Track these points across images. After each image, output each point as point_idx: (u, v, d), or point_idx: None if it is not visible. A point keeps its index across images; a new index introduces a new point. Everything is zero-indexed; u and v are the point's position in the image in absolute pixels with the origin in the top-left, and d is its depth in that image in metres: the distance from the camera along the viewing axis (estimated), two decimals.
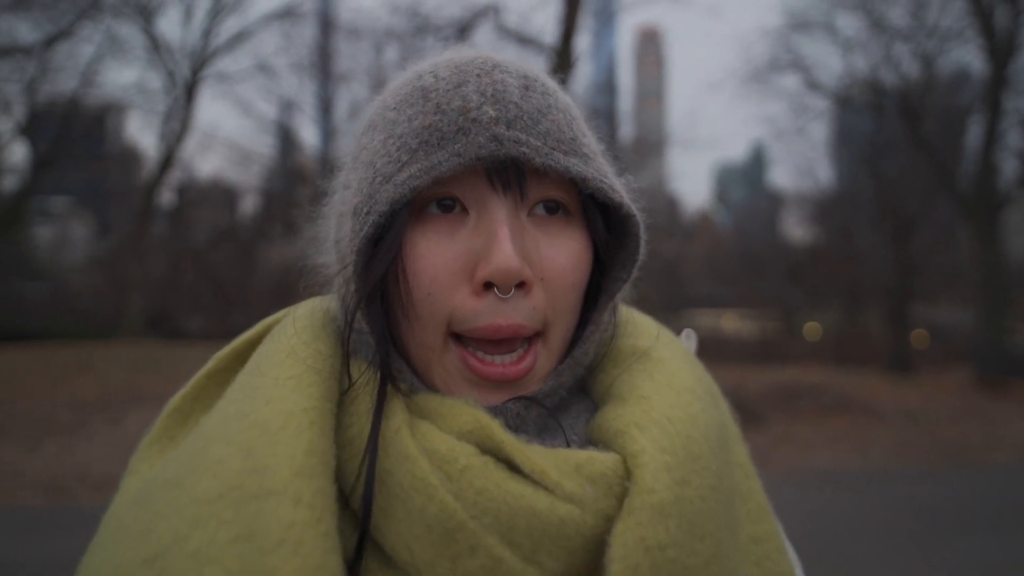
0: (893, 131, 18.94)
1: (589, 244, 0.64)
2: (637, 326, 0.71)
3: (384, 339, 0.60)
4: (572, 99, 0.67)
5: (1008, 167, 16.88)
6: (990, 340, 14.27)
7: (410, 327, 0.60)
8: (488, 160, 0.57)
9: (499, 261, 0.56)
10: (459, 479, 0.53)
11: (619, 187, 0.63)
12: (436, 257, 0.58)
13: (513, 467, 0.54)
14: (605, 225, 0.65)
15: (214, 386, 0.65)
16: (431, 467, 0.53)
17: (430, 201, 0.60)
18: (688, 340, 0.79)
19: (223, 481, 0.50)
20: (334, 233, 0.66)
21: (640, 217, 0.64)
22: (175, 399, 0.65)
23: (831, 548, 4.63)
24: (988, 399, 11.93)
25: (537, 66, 0.66)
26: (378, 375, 0.59)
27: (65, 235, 28.62)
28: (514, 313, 0.58)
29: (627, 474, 0.54)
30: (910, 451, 8.19)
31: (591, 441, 0.61)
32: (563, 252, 0.61)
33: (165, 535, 0.50)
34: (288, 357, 0.59)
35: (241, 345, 0.67)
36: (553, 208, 0.61)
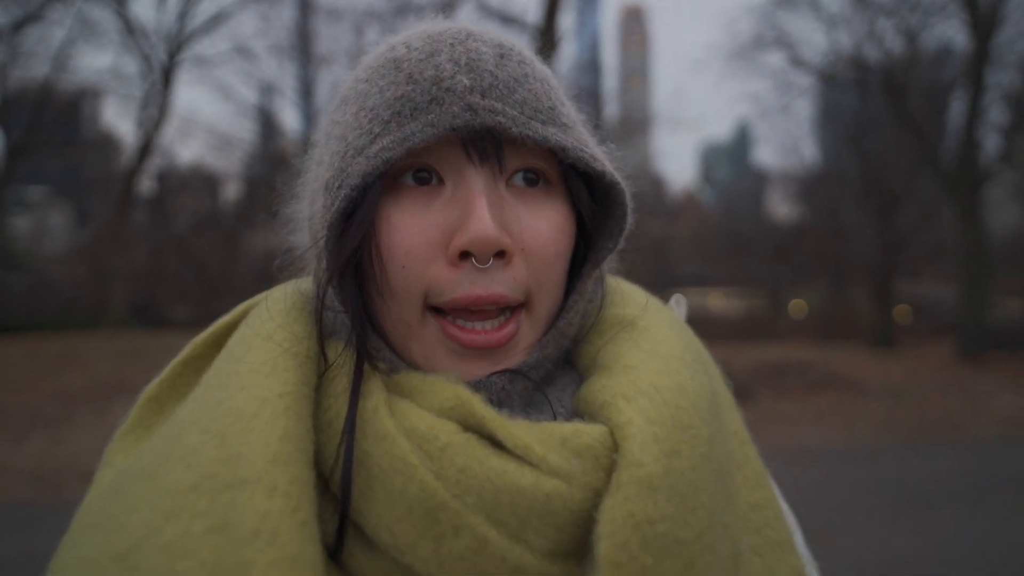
0: (877, 108, 19.00)
1: (572, 215, 0.62)
2: (624, 295, 0.70)
3: (359, 316, 0.58)
4: (552, 71, 0.65)
5: (990, 143, 17.05)
6: (972, 315, 14.50)
7: (385, 303, 0.58)
8: (463, 130, 0.55)
9: (476, 229, 0.54)
10: (440, 457, 0.51)
11: (601, 155, 0.62)
12: (411, 228, 0.57)
13: (496, 443, 0.53)
14: (590, 195, 0.64)
15: (191, 373, 0.63)
16: (410, 446, 0.52)
17: (405, 172, 0.58)
18: (678, 306, 0.77)
19: (197, 471, 0.49)
20: (307, 211, 0.65)
21: (625, 185, 0.62)
22: (150, 387, 0.63)
23: (818, 524, 4.71)
24: (970, 373, 12.15)
25: (514, 37, 0.65)
26: (354, 354, 0.58)
27: (43, 225, 28.12)
28: (493, 283, 0.56)
29: (615, 446, 0.53)
30: (895, 426, 8.34)
31: (578, 413, 0.59)
32: (545, 222, 0.59)
33: (137, 528, 0.48)
34: (263, 341, 0.57)
35: (218, 330, 0.65)
36: (533, 180, 0.60)
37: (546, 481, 0.51)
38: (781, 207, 32.09)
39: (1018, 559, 4.25)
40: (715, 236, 31.50)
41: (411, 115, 0.56)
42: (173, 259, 22.23)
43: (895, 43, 17.16)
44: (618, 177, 0.62)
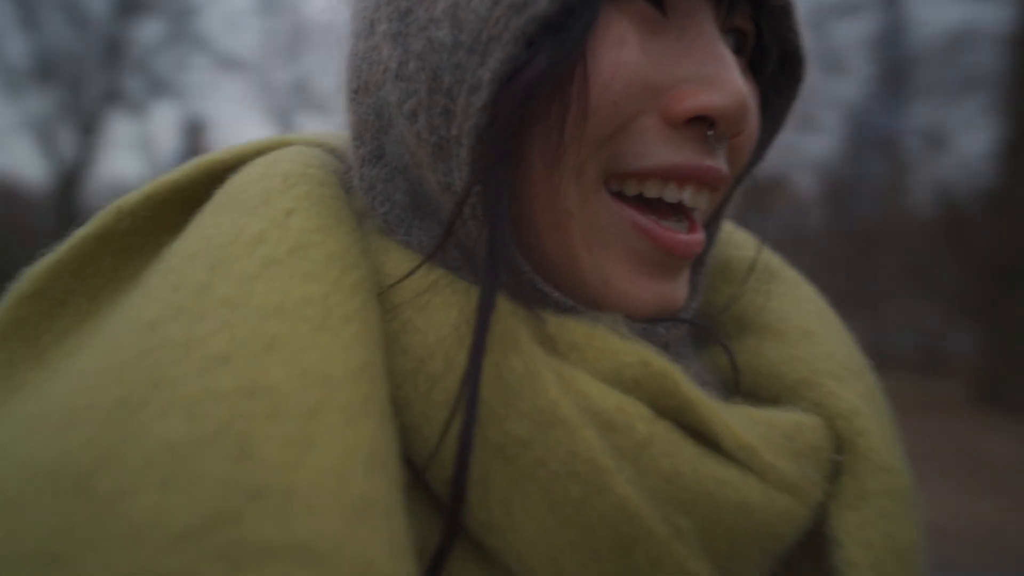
0: None
1: None
2: (732, 232, 0.53)
3: (504, 208, 0.35)
4: None
5: None
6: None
7: (556, 166, 0.35)
8: None
9: (733, 92, 0.35)
10: (637, 458, 0.33)
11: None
12: (635, 53, 0.36)
13: (698, 436, 0.35)
14: None
15: (108, 255, 0.38)
16: (599, 439, 0.33)
17: None
18: None
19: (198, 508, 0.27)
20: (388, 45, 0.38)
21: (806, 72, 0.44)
22: (30, 277, 0.38)
23: None
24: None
25: None
26: (484, 271, 0.35)
27: None
28: (719, 158, 0.39)
29: (836, 443, 0.39)
30: None
31: (727, 387, 0.43)
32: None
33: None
34: (296, 259, 0.33)
35: (164, 191, 0.39)
36: (738, 48, 0.41)
37: (778, 498, 0.35)
38: None
39: None
40: None
41: None
42: None
43: None
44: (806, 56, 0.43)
